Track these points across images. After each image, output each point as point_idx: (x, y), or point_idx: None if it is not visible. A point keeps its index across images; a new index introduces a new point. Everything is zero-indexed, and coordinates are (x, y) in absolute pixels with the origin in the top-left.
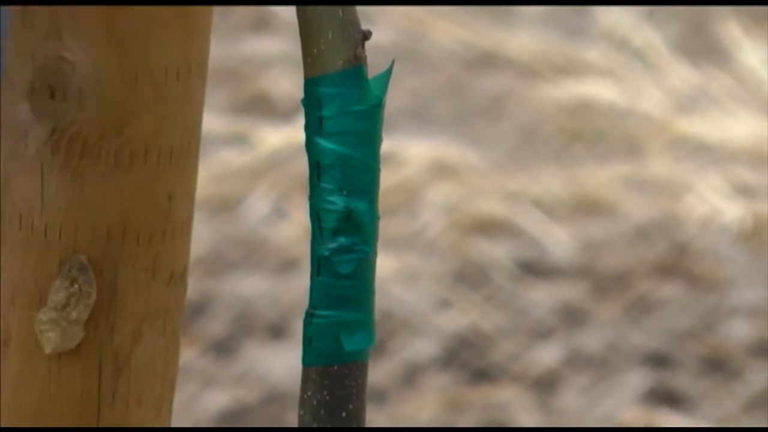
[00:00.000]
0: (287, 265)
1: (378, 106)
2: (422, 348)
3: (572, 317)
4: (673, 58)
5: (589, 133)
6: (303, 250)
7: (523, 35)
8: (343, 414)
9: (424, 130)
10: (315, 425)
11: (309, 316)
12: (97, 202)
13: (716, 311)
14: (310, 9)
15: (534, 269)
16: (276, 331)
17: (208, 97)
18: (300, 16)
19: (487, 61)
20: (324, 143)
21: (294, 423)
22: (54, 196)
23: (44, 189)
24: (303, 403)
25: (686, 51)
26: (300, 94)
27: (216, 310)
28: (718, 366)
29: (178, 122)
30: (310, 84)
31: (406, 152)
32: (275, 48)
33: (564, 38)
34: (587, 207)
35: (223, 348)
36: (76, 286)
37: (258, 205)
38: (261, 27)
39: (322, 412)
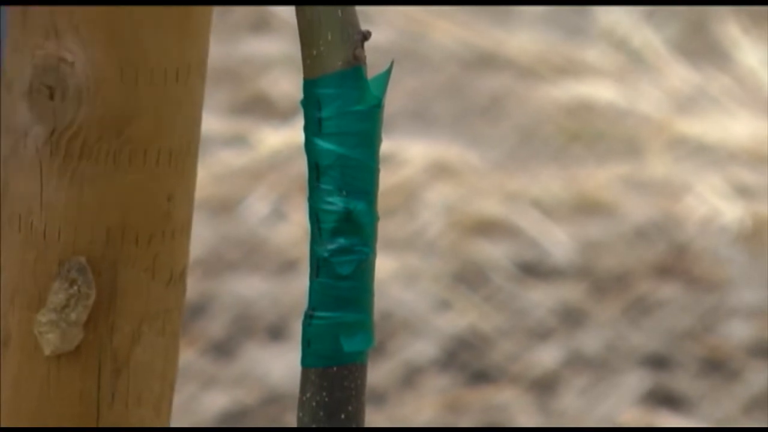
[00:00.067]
0: (286, 266)
1: (377, 106)
2: (421, 349)
3: (571, 318)
4: (673, 58)
5: (589, 133)
6: (302, 251)
7: (522, 35)
8: (342, 415)
9: (423, 130)
10: (314, 426)
11: (308, 317)
12: (96, 203)
13: (715, 312)
14: (310, 9)
15: (533, 270)
16: (275, 332)
17: (207, 97)
18: (299, 16)
19: (487, 61)
20: (323, 144)
21: (293, 424)
22: (53, 197)
23: (43, 189)
24: (302, 404)
25: (686, 51)
26: (299, 94)
27: (215, 310)
28: (718, 367)
29: (178, 123)
30: (309, 85)
31: (405, 153)
32: (275, 48)
33: (564, 38)
34: (587, 207)
35: (223, 349)
36: (76, 287)
37: (257, 206)
38: (261, 27)
39: (321, 413)
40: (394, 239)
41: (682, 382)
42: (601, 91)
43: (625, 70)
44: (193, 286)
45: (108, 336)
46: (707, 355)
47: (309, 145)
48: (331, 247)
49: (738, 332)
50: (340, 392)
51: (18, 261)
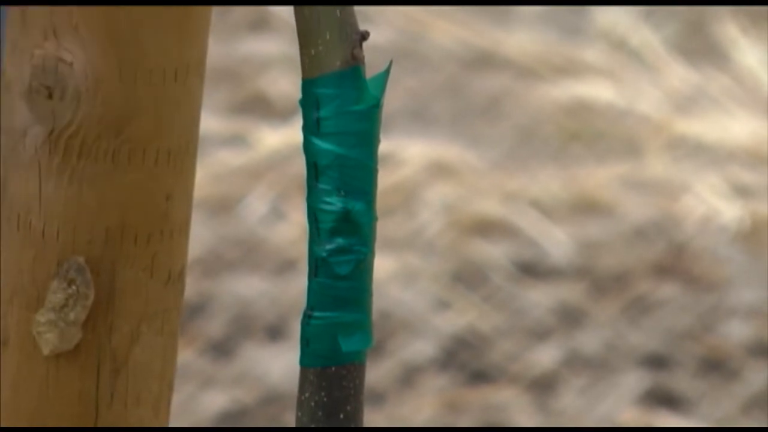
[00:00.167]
0: (285, 266)
1: (376, 106)
2: (420, 349)
3: (570, 318)
4: (672, 58)
5: (588, 133)
6: (301, 250)
7: (521, 35)
8: (341, 415)
9: (422, 130)
10: (313, 426)
11: (307, 317)
12: (95, 202)
13: (714, 311)
14: (308, 9)
15: (532, 269)
16: (274, 332)
17: (206, 97)
18: (298, 16)
19: (486, 61)
20: (322, 144)
21: (292, 424)
22: (52, 196)
23: (42, 189)
24: (301, 404)
25: (684, 51)
26: (298, 94)
27: (214, 310)
28: (717, 366)
29: (176, 122)
30: (307, 85)
31: (404, 152)
32: (274, 48)
33: (562, 38)
34: (586, 207)
35: (221, 348)
36: (74, 287)
37: (256, 206)
38: (259, 27)
39: (320, 413)
40: (393, 239)
41: (681, 381)
42: (600, 91)
43: (623, 70)
44: (192, 286)
45: (107, 336)
46: (706, 354)
47: (307, 145)
48: (329, 247)
49: (737, 332)
50: (338, 392)
51: (17, 261)
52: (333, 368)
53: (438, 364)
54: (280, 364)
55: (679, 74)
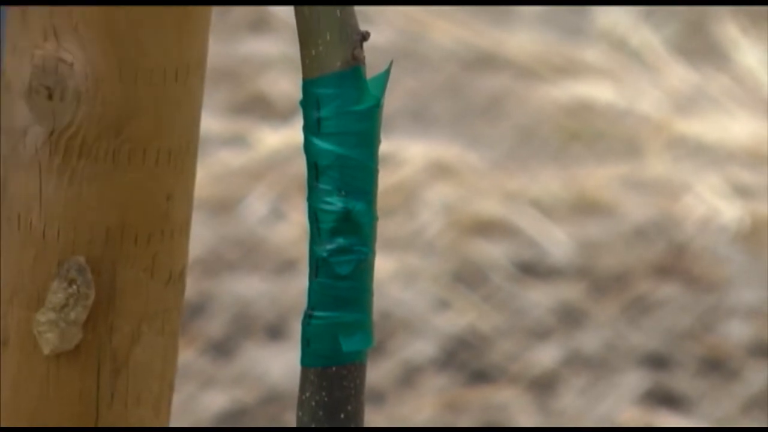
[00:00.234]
0: (286, 266)
1: (376, 106)
2: (421, 348)
3: (571, 317)
4: (672, 58)
5: (588, 133)
6: (301, 250)
7: (521, 35)
8: (342, 415)
9: (422, 130)
10: (313, 426)
11: (307, 317)
12: (95, 202)
13: (715, 311)
14: (309, 9)
15: (532, 269)
16: (274, 332)
17: (206, 97)
18: (298, 16)
19: (486, 61)
20: (322, 144)
21: (292, 424)
22: (52, 196)
23: (42, 189)
24: (301, 404)
25: (684, 51)
26: (298, 94)
27: (214, 310)
28: (717, 366)
29: (177, 122)
30: (308, 85)
31: (404, 153)
32: (274, 48)
33: (562, 38)
34: (586, 207)
35: (222, 348)
36: (75, 287)
37: (256, 206)
38: (260, 27)
39: (321, 413)
40: (394, 239)
41: (682, 381)
42: (600, 91)
43: (624, 70)
44: (192, 286)
45: (107, 336)
46: (706, 354)
47: (308, 145)
48: (330, 247)
49: (737, 332)
50: (339, 392)
51: (17, 260)
52: (334, 368)
53: (438, 364)
54: (280, 364)
55: (680, 74)
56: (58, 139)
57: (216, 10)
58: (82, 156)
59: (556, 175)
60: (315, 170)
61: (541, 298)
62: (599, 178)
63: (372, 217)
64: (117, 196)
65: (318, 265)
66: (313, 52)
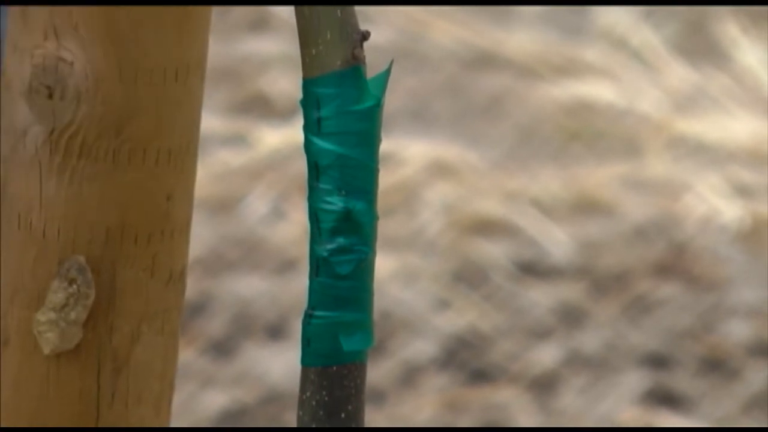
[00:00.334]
0: (286, 266)
1: (377, 106)
2: (421, 348)
3: (571, 317)
4: (672, 58)
5: (588, 132)
6: (302, 250)
7: (522, 35)
8: (342, 414)
9: (423, 130)
10: (314, 426)
11: (308, 316)
12: (95, 202)
13: (715, 311)
14: (309, 9)
15: (533, 269)
16: (275, 332)
17: (206, 97)
18: (298, 16)
19: (486, 60)
20: (322, 144)
21: (293, 423)
22: (53, 196)
23: (43, 189)
24: (302, 403)
25: (685, 51)
26: (299, 94)
27: (215, 310)
28: (717, 366)
29: (177, 122)
30: (308, 84)
31: (405, 152)
32: (274, 48)
33: (563, 38)
34: (586, 207)
35: (222, 348)
36: (75, 286)
37: (257, 205)
38: (260, 27)
39: (321, 412)
40: (394, 238)
41: (682, 381)
42: (601, 91)
43: (624, 70)
44: (193, 286)
45: (107, 335)
46: (707, 354)
47: (308, 145)
48: (330, 246)
49: (737, 331)
50: (339, 391)
51: (17, 260)
52: (334, 367)
53: (438, 364)
54: (280, 364)
55: (680, 74)
56: (59, 139)
57: (216, 10)
58: (83, 156)
59: (557, 175)
60: (315, 170)
61: (541, 297)
62: (599, 177)
63: (372, 217)
64: (117, 195)
65: (318, 265)
66: (314, 52)
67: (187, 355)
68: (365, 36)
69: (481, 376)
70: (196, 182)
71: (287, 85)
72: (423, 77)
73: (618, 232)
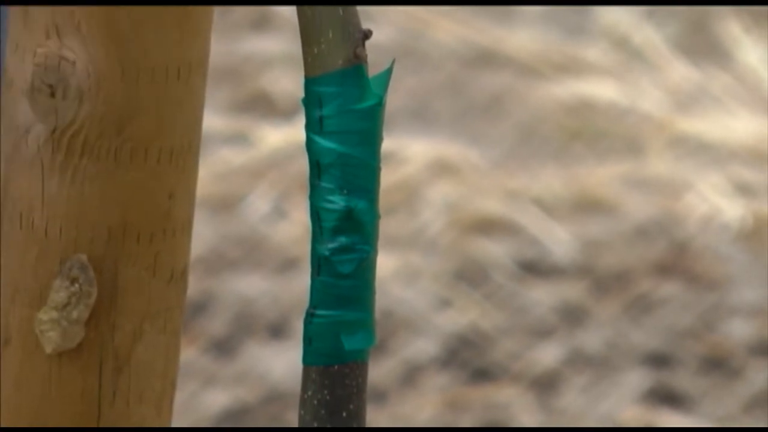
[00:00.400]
0: (287, 265)
1: (378, 105)
2: (422, 347)
3: (572, 316)
4: (674, 56)
5: (590, 131)
6: (303, 249)
7: (523, 34)
8: (344, 414)
9: (424, 128)
10: (315, 425)
11: (309, 315)
12: (97, 201)
13: (716, 310)
14: (311, 8)
15: (534, 268)
16: (276, 331)
17: (208, 95)
18: (300, 15)
19: (488, 59)
20: (324, 142)
21: (294, 423)
22: (54, 195)
23: (45, 188)
24: (303, 402)
25: (686, 50)
26: (300, 93)
27: (216, 309)
28: (718, 365)
29: (179, 121)
30: (310, 83)
31: (406, 151)
32: (276, 47)
33: (564, 37)
34: (587, 206)
35: (224, 347)
36: (77, 285)
37: (258, 204)
38: (262, 26)
39: (323, 411)
40: (395, 237)
41: (683, 380)
42: (602, 90)
43: (625, 69)
44: (194, 285)
45: (109, 334)
46: (708, 353)
47: (310, 144)
48: (332, 245)
49: (739, 330)
50: (341, 390)
51: (19, 259)
52: (336, 367)
53: (440, 363)
54: (282, 363)
55: (681, 73)
56: (60, 138)
57: (218, 9)
58: (84, 154)
59: (558, 174)
60: (317, 168)
61: (542, 296)
62: (601, 176)
63: (374, 216)
64: (119, 194)
65: (320, 264)
66: (315, 51)
67: (188, 354)
68: (367, 35)
69: (482, 375)
70: (198, 181)
71: (289, 84)
72: (424, 76)
73: (619, 231)
